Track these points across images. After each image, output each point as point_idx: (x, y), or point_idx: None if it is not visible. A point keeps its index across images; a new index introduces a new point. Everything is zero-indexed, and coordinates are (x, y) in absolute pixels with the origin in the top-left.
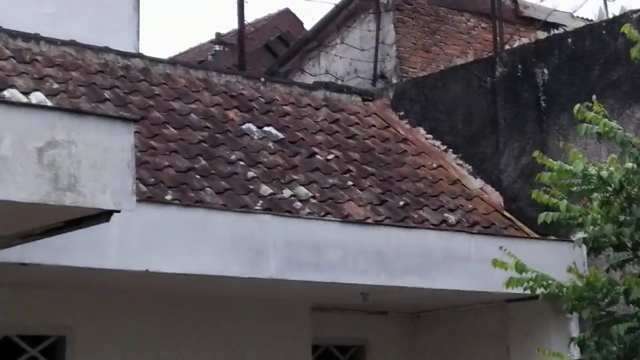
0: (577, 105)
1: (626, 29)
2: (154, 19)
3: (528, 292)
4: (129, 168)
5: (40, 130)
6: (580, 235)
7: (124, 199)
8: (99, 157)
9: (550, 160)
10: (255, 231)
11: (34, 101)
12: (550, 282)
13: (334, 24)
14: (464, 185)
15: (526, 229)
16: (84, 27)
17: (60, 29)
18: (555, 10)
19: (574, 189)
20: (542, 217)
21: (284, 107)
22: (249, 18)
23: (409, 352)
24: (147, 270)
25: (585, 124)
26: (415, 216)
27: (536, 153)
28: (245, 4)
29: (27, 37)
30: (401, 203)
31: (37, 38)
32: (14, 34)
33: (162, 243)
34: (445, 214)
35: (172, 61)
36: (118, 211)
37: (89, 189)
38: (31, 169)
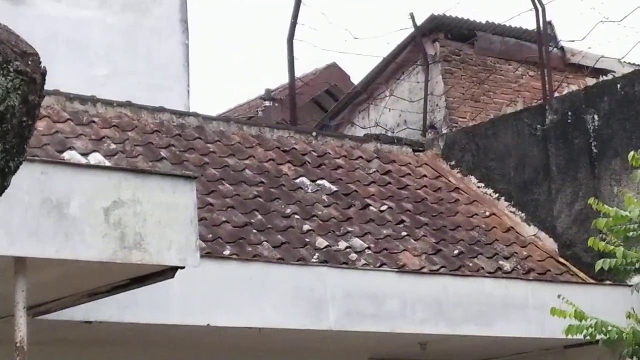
0: (632, 153)
1: None
2: (203, 76)
3: (588, 338)
4: (192, 225)
5: (107, 190)
6: (637, 279)
7: (188, 255)
8: (164, 214)
9: (606, 206)
10: (314, 283)
11: (92, 162)
12: (610, 328)
13: (382, 77)
14: (518, 233)
15: (581, 275)
16: (136, 87)
17: (113, 89)
18: (603, 56)
19: (631, 234)
20: (600, 264)
21: (336, 160)
22: (296, 73)
23: None
24: (208, 325)
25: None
26: (470, 264)
27: (591, 200)
28: (295, 61)
29: (83, 99)
30: (456, 252)
31: (93, 100)
32: (72, 97)
33: (223, 297)
34: (500, 262)
35: (226, 118)
36: (183, 267)
37: (155, 246)
38: (99, 229)
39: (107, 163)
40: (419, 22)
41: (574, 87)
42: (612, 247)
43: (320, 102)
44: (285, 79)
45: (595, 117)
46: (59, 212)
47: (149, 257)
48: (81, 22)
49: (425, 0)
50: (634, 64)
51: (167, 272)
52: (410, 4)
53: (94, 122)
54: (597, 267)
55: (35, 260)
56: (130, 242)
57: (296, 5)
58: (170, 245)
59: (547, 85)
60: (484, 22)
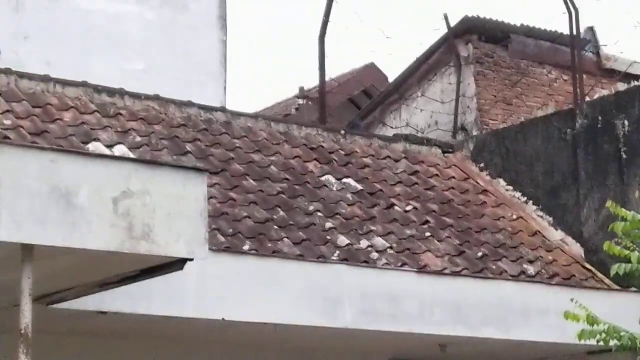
0: None
1: None
2: (240, 74)
3: (601, 343)
4: (202, 217)
5: (116, 180)
6: None
7: (197, 247)
8: (173, 206)
9: (624, 210)
10: (331, 281)
11: (117, 154)
12: (622, 333)
13: (414, 77)
14: (544, 237)
15: (607, 281)
16: (172, 83)
17: (149, 84)
18: (635, 62)
19: None
20: (615, 268)
21: (364, 159)
22: (334, 73)
23: None
24: (223, 319)
25: None
26: (494, 267)
27: (609, 203)
28: (325, 58)
29: (111, 91)
30: (479, 254)
31: (121, 93)
32: (99, 89)
33: (239, 292)
34: (525, 265)
35: (254, 115)
36: (191, 259)
37: (163, 237)
38: (107, 218)
39: (131, 155)
40: (452, 23)
41: (606, 92)
42: (628, 251)
43: (357, 102)
44: (327, 75)
45: (626, 122)
46: (67, 201)
47: (156, 248)
48: (118, 17)
49: (459, 2)
50: None
51: (176, 264)
52: (444, 4)
53: (120, 114)
54: (613, 271)
55: (42, 248)
56: (138, 232)
57: (328, 3)
58: (179, 237)
59: (578, 90)
60: (518, 24)
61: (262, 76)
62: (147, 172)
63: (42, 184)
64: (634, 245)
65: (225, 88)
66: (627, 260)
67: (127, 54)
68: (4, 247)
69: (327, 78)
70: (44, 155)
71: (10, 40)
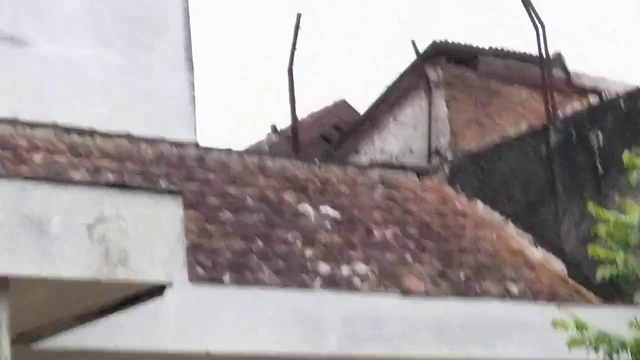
0: (627, 154)
1: None
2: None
3: (592, 354)
4: (179, 241)
5: (88, 206)
6: None
7: (174, 271)
8: (149, 230)
9: (605, 211)
10: (314, 308)
11: None
12: (612, 337)
13: (386, 104)
14: (526, 256)
15: (590, 296)
16: (140, 124)
17: (117, 126)
18: (604, 77)
19: (631, 240)
20: (600, 273)
21: (339, 187)
22: (305, 110)
23: None
24: (207, 352)
25: (635, 170)
26: (477, 288)
27: (589, 204)
28: (295, 91)
29: (81, 131)
30: (462, 276)
31: (91, 132)
32: (69, 130)
33: (221, 324)
34: (508, 285)
35: (226, 150)
36: (170, 285)
37: (140, 262)
38: (81, 245)
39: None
40: (420, 49)
41: (577, 107)
42: (613, 252)
43: (329, 137)
44: (299, 114)
45: (600, 135)
46: (39, 230)
47: (134, 274)
48: (80, 62)
49: (427, 28)
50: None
51: (156, 291)
52: (412, 31)
53: (91, 153)
54: (599, 275)
55: (17, 281)
56: (115, 258)
57: (295, 33)
58: (156, 261)
59: (550, 105)
60: (486, 47)
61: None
62: (120, 196)
63: (12, 214)
64: (619, 248)
65: (195, 129)
66: (613, 261)
67: (92, 98)
68: None
69: (298, 114)
70: (13, 184)
71: None
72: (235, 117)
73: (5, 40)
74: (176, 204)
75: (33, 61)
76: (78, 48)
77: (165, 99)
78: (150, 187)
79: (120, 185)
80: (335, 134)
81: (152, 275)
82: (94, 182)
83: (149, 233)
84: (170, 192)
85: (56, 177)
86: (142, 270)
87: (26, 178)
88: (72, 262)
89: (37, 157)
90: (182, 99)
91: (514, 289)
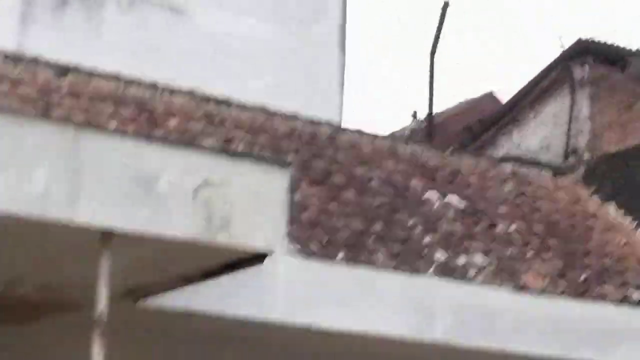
0: None
1: None
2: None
3: None
4: (282, 212)
5: (197, 169)
6: None
7: (275, 241)
8: (253, 199)
9: None
10: (424, 294)
11: None
12: None
13: (527, 100)
14: None
15: None
16: (291, 101)
17: (267, 100)
18: None
19: None
20: None
21: (469, 177)
22: (451, 101)
23: None
24: (310, 327)
25: None
26: (597, 291)
27: None
28: (434, 82)
29: (218, 101)
30: (582, 277)
31: (227, 102)
32: (206, 98)
33: (329, 301)
34: (630, 291)
35: (359, 131)
36: (270, 253)
37: (241, 230)
38: (185, 208)
39: None
40: (566, 46)
41: None
42: None
43: (474, 130)
44: (446, 104)
45: None
46: (148, 188)
47: (235, 241)
48: (239, 35)
49: (573, 25)
50: None
51: (256, 259)
52: (559, 27)
53: (225, 123)
54: None
55: (121, 236)
56: (217, 223)
57: (440, 22)
58: (258, 230)
59: None
60: (634, 49)
61: (376, 100)
62: (228, 163)
63: (124, 171)
64: None
65: (341, 110)
66: None
67: (244, 71)
68: (84, 233)
69: (446, 104)
70: (126, 142)
71: (135, 55)
72: (381, 102)
73: (165, 8)
74: (283, 175)
75: (191, 31)
76: (236, 22)
77: (316, 78)
78: (258, 155)
79: (229, 152)
80: (479, 126)
81: (252, 242)
82: (204, 146)
83: (253, 201)
84: (278, 162)
85: (167, 139)
86: (243, 237)
87: (140, 137)
88: (175, 223)
89: (172, 122)
90: (332, 80)
91: (636, 295)
